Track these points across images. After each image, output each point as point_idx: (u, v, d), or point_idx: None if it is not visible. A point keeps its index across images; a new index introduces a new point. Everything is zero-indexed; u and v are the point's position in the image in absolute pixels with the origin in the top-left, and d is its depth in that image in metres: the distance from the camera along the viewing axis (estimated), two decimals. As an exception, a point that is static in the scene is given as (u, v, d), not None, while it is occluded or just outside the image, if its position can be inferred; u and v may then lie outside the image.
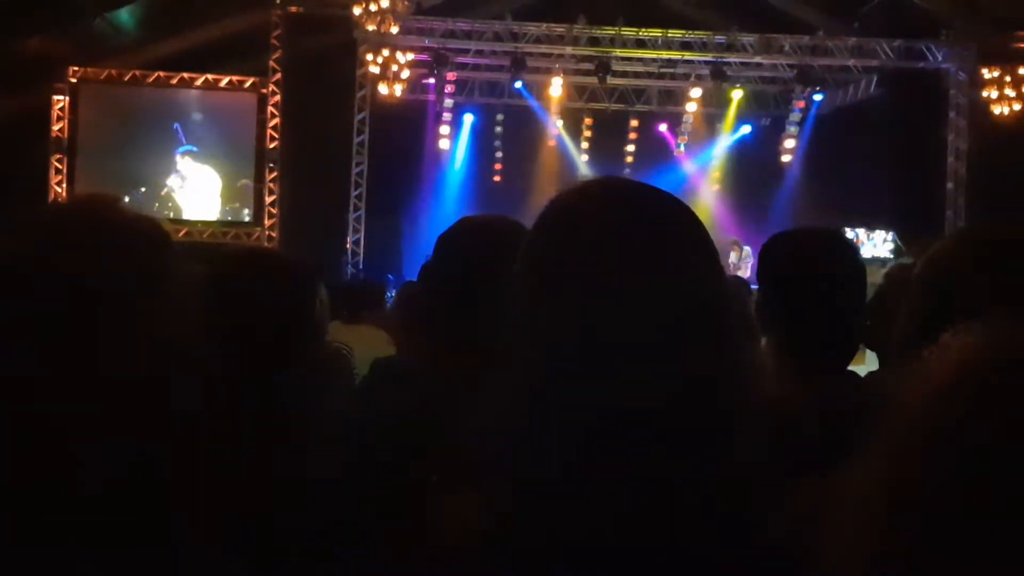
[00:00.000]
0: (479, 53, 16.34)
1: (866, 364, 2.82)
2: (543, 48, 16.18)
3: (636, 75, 17.59)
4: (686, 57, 16.37)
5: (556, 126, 18.27)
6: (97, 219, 1.20)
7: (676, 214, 1.19)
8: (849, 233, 15.15)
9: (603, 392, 1.09)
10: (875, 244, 15.79)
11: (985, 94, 15.61)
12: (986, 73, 15.52)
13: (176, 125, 16.07)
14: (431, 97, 17.40)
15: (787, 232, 2.34)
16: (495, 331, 1.86)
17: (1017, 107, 15.48)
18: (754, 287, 2.69)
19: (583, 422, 1.09)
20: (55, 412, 1.12)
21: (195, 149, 16.12)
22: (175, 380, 1.20)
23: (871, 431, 0.75)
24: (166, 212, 15.99)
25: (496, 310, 2.14)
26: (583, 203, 1.19)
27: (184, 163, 16.15)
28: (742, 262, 15.11)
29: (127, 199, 15.61)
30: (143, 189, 16.02)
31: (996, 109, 15.53)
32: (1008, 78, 15.44)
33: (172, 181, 16.19)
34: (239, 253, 2.20)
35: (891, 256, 15.33)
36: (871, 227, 15.90)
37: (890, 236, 15.93)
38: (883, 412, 0.75)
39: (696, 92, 17.45)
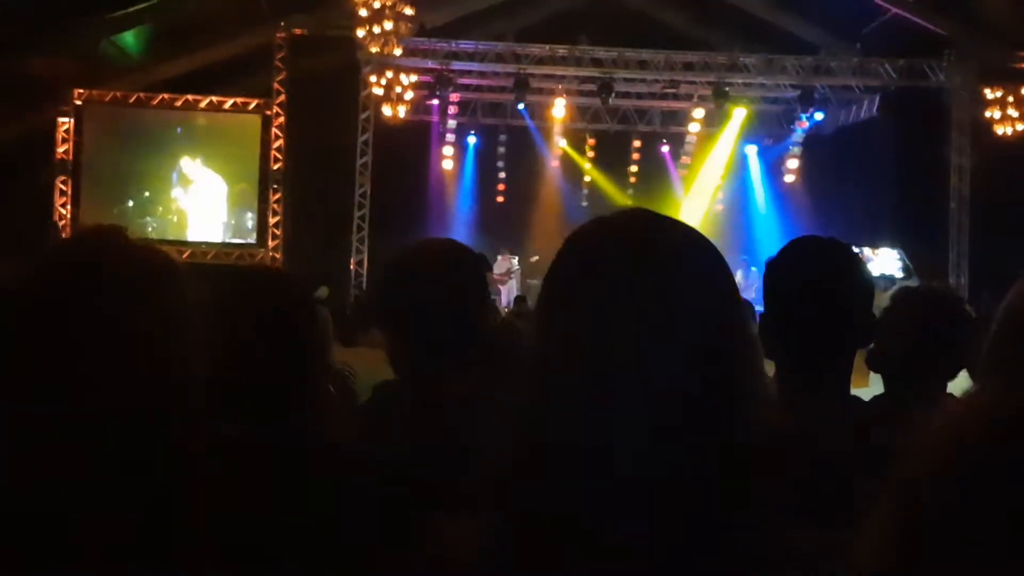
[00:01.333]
0: (482, 74, 16.40)
1: (870, 387, 2.81)
2: (546, 69, 16.23)
3: (639, 95, 17.64)
4: (688, 77, 16.43)
5: (559, 146, 18.32)
6: (104, 251, 1.21)
7: (697, 250, 1.20)
8: (867, 251, 15.18)
9: (610, 419, 1.10)
10: (881, 260, 15.78)
11: (987, 113, 15.64)
12: (988, 92, 15.56)
13: (179, 128, 16.13)
14: (435, 118, 17.46)
15: (789, 247, 2.20)
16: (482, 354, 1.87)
17: (1020, 126, 15.52)
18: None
19: (588, 446, 1.10)
20: (56, 437, 1.12)
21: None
22: (178, 403, 1.20)
23: (872, 467, 0.77)
24: (170, 216, 16.05)
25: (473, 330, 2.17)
26: (605, 235, 1.20)
27: (191, 166, 16.17)
28: (749, 283, 15.09)
29: (131, 203, 15.73)
30: (147, 193, 16.05)
31: (998, 128, 15.56)
32: (1010, 97, 15.48)
33: (177, 191, 16.20)
34: (241, 273, 2.19)
35: (901, 275, 15.31)
36: (875, 245, 15.89)
37: (896, 254, 15.91)
38: (896, 456, 0.77)
39: (699, 112, 17.49)
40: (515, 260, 17.06)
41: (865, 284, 2.17)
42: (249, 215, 16.45)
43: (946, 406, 0.76)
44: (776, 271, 2.17)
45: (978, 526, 0.66)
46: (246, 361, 1.88)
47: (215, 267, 15.38)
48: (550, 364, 1.16)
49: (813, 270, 2.13)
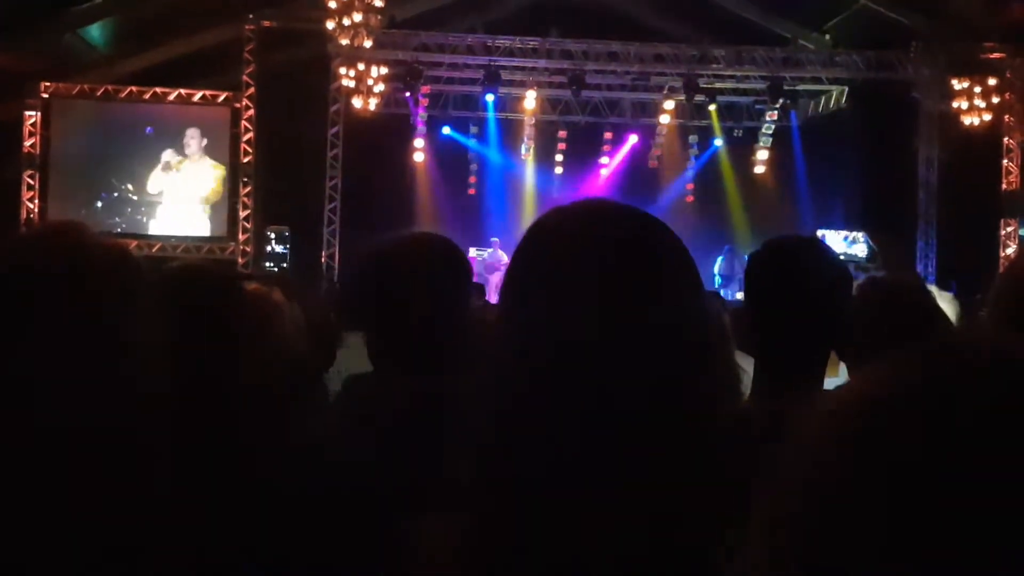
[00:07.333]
0: (453, 66, 16.35)
1: (839, 376, 2.83)
2: (516, 61, 16.22)
3: (609, 87, 17.65)
4: (659, 69, 16.46)
5: (530, 139, 18.31)
6: (63, 247, 1.20)
7: (658, 237, 1.20)
8: (832, 234, 15.30)
9: (578, 408, 1.09)
10: (847, 243, 15.92)
11: (955, 104, 15.75)
12: (956, 84, 15.67)
13: (149, 129, 15.95)
14: (405, 110, 17.39)
15: (769, 245, 2.24)
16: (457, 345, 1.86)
17: (986, 117, 15.64)
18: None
19: (556, 438, 1.10)
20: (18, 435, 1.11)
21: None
22: (139, 401, 1.19)
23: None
24: (142, 207, 15.89)
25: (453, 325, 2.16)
26: (565, 224, 1.20)
27: (174, 157, 16.05)
28: (735, 272, 15.18)
29: (100, 200, 15.55)
30: (117, 184, 15.87)
31: (966, 119, 15.68)
32: (977, 88, 15.59)
33: (153, 183, 16.06)
34: (190, 269, 2.14)
35: (865, 256, 15.43)
36: (841, 231, 16.05)
37: (861, 236, 16.02)
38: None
39: (669, 104, 17.53)
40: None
41: (842, 283, 2.20)
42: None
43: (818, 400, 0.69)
44: (756, 268, 2.21)
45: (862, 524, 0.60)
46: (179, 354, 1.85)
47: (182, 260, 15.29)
48: (514, 354, 1.15)
49: (791, 268, 2.16)
